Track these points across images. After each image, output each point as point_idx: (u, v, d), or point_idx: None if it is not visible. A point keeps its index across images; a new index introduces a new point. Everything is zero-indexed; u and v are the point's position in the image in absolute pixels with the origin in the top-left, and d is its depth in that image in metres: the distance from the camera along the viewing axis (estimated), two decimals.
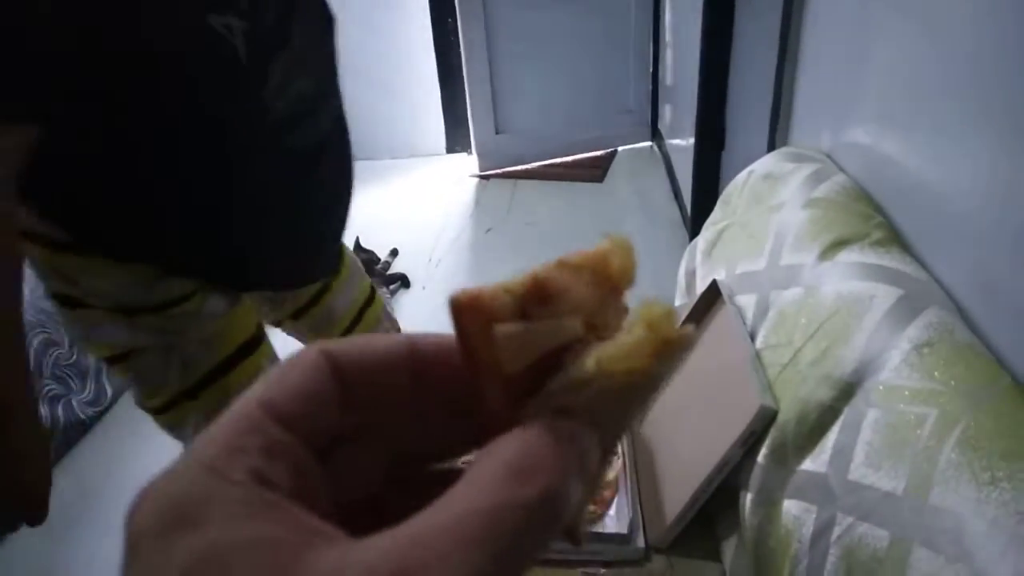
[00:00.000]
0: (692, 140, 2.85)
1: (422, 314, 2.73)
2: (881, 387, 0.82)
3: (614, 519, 1.17)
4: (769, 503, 0.94)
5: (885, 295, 0.91)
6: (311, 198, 1.06)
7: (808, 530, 0.84)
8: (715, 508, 1.07)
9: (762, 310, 1.14)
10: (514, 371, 0.24)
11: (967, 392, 0.75)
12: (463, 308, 0.24)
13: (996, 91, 0.86)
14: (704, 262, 1.41)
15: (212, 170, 0.90)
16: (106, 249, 0.91)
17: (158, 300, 0.95)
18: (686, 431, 1.20)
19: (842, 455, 0.83)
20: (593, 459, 0.22)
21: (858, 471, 0.80)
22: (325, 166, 1.06)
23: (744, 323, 1.16)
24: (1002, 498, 0.63)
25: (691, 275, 1.46)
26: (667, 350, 0.24)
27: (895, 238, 1.04)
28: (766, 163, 1.37)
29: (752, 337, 1.13)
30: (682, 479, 1.11)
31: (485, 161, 3.74)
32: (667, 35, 3.47)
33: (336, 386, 0.22)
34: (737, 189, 1.41)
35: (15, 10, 0.67)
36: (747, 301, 1.18)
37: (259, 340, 1.08)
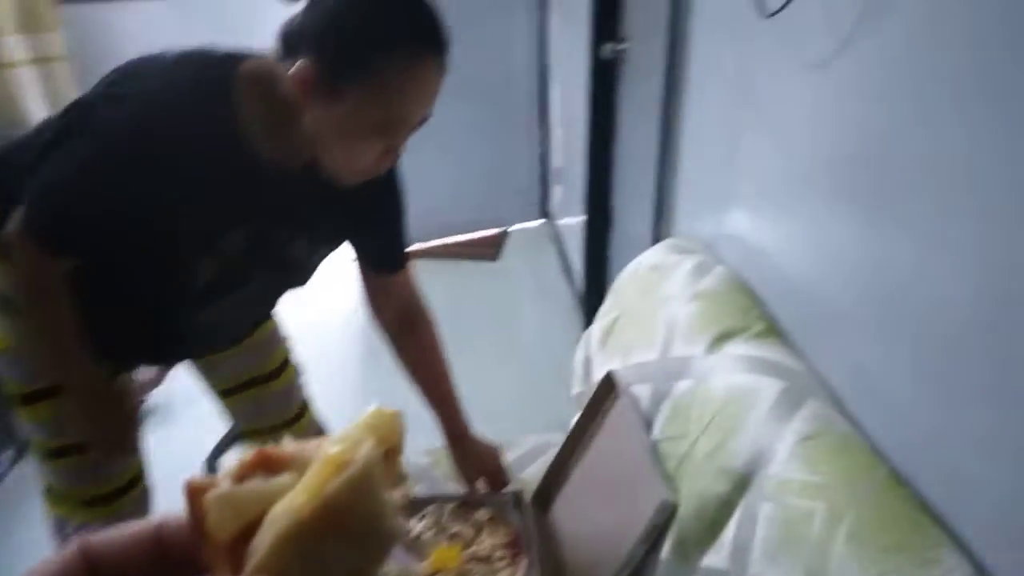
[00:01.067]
0: (578, 219, 2.96)
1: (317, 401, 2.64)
2: (773, 480, 0.86)
3: None
4: None
5: (769, 388, 0.96)
6: (222, 338, 1.31)
7: None
8: None
9: (657, 401, 1.17)
10: (225, 535, 0.25)
11: (849, 485, 0.79)
12: (192, 489, 0.25)
13: (848, 188, 0.94)
14: (599, 351, 1.45)
15: (155, 315, 1.13)
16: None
17: None
18: (590, 525, 1.20)
19: (741, 550, 0.85)
20: None
21: (757, 565, 0.82)
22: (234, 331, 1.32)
23: (640, 414, 1.18)
24: None
25: (587, 364, 1.49)
26: (337, 485, 0.24)
27: (773, 329, 1.11)
28: (653, 255, 1.44)
29: (649, 428, 1.16)
30: None
31: None
32: (554, 120, 3.63)
33: (86, 572, 0.26)
34: (627, 280, 1.46)
35: (113, 191, 0.91)
36: (642, 391, 1.21)
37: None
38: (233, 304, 1.13)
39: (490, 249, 3.65)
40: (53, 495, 1.25)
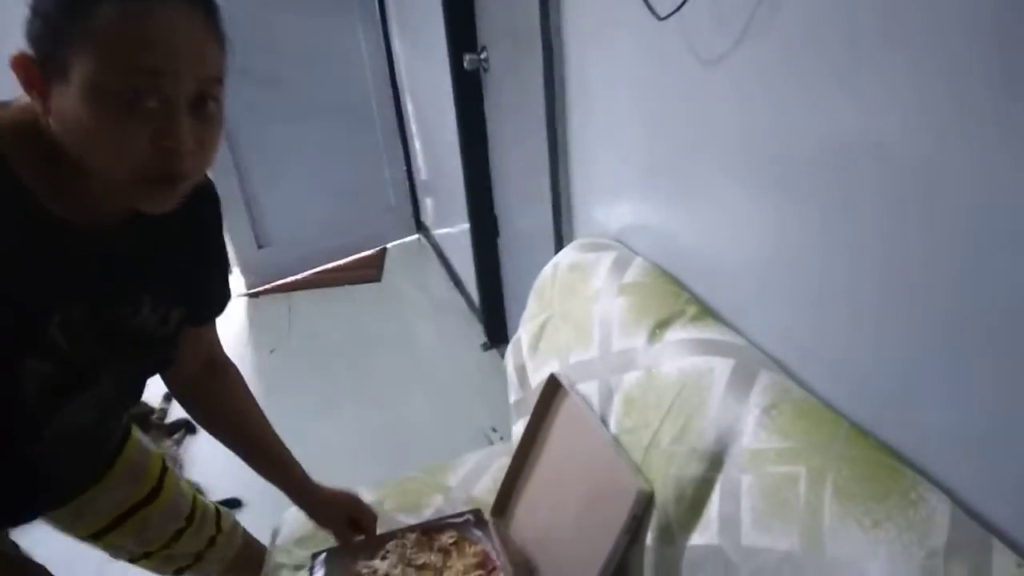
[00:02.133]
0: (459, 228, 2.98)
1: (218, 458, 2.47)
2: (747, 452, 0.91)
3: None
4: None
5: (720, 366, 1.02)
6: (81, 470, 1.13)
7: None
8: None
9: (606, 396, 1.20)
10: None
11: (822, 444, 0.85)
12: None
13: (747, 171, 1.02)
14: (532, 356, 1.47)
15: None
16: None
17: None
18: (561, 529, 1.21)
19: (730, 523, 0.90)
20: None
21: (750, 536, 0.87)
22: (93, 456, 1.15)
23: (593, 411, 1.21)
24: (888, 536, 0.73)
25: (521, 370, 1.50)
26: None
27: (706, 311, 1.17)
28: (568, 255, 1.47)
29: (603, 423, 1.19)
30: None
31: (251, 277, 3.56)
32: (414, 137, 3.62)
33: None
34: (547, 282, 1.49)
35: None
36: (589, 389, 1.24)
37: None
38: (80, 412, 0.92)
39: (372, 270, 3.59)
40: None
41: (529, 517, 1.32)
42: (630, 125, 1.34)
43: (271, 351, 3.04)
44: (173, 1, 0.71)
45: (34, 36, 0.70)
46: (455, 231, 3.15)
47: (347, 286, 3.47)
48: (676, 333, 1.13)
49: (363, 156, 3.68)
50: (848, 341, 0.91)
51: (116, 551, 1.29)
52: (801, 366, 1.01)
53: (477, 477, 1.50)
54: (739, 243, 1.10)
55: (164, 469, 1.31)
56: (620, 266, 1.33)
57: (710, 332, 1.11)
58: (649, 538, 1.02)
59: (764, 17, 0.91)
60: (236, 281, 3.59)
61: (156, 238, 0.88)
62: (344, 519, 1.30)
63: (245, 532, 1.49)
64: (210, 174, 0.96)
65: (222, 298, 1.12)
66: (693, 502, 0.97)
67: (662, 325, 1.16)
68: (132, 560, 1.32)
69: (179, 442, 2.51)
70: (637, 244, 1.41)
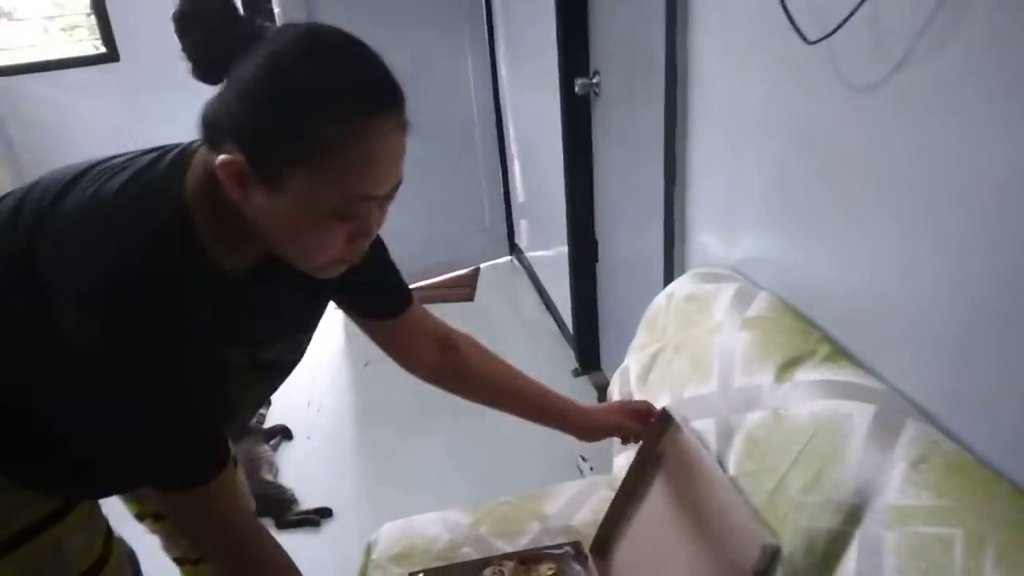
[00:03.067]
0: (554, 251, 2.96)
1: (312, 466, 2.53)
2: (892, 509, 0.84)
3: None
4: None
5: (861, 412, 0.95)
6: None
7: None
8: None
9: (724, 435, 1.14)
10: None
11: (980, 505, 0.78)
12: None
13: (903, 204, 0.96)
14: (640, 387, 1.42)
15: None
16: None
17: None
18: (667, 573, 1.16)
19: None
20: None
21: None
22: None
23: (710, 450, 1.16)
24: None
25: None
26: None
27: (841, 352, 1.10)
28: (685, 285, 1.42)
29: (720, 464, 1.13)
30: None
31: None
32: (513, 159, 3.64)
33: None
34: (660, 311, 1.45)
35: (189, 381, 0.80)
36: (705, 426, 1.19)
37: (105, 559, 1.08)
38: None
39: (465, 289, 3.61)
40: None
41: (632, 558, 1.26)
42: (760, 153, 1.29)
43: (365, 364, 3.09)
44: (388, 116, 0.73)
45: (245, 139, 0.71)
46: (550, 254, 3.14)
47: (442, 303, 3.50)
48: (807, 373, 1.07)
49: (462, 176, 3.73)
50: (1013, 390, 0.83)
51: (172, 543, 1.34)
52: (950, 416, 0.93)
53: (576, 508, 1.46)
54: (882, 278, 1.02)
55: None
56: (743, 299, 1.27)
57: (846, 374, 1.04)
58: None
59: (937, 36, 0.84)
60: None
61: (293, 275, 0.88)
62: (625, 420, 1.30)
63: None
64: None
65: (402, 284, 1.19)
66: (825, 557, 0.90)
67: (791, 364, 1.09)
68: (179, 562, 1.37)
69: (276, 447, 2.56)
70: (759, 276, 1.34)
